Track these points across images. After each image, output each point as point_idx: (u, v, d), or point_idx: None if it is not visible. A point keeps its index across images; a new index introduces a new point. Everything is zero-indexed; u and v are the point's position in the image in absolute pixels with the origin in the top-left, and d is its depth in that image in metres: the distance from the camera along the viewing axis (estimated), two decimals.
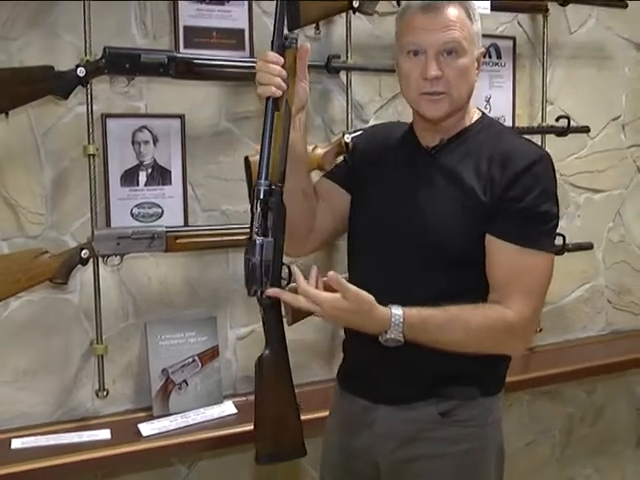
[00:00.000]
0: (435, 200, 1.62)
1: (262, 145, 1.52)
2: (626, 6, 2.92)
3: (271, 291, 1.52)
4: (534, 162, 1.57)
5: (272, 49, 1.52)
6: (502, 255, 1.57)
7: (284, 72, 1.51)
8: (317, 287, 1.52)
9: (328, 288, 1.51)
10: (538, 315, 1.63)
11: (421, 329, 1.53)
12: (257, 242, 1.51)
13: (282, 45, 1.53)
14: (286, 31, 1.56)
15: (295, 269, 1.54)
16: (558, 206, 1.62)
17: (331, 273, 1.48)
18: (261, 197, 1.51)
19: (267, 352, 1.58)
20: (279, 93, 1.51)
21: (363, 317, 1.50)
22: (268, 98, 1.51)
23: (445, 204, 1.61)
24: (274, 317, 1.58)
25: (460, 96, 1.60)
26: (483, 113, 1.73)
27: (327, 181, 1.82)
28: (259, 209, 1.52)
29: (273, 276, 1.52)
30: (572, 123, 2.83)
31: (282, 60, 1.51)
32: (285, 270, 1.55)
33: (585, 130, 2.95)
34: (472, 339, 1.55)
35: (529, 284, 1.57)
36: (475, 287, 1.60)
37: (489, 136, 1.65)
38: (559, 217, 1.63)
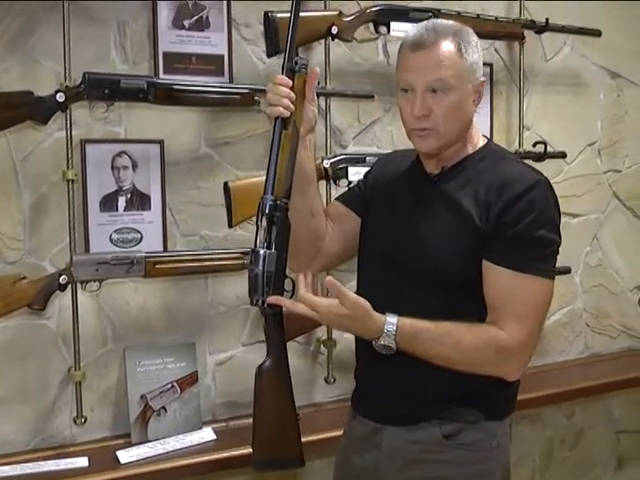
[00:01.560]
0: (433, 226, 1.65)
1: (269, 161, 1.58)
2: (600, 34, 2.98)
3: (272, 298, 1.57)
4: (530, 187, 1.58)
5: (282, 72, 1.59)
6: (497, 279, 1.58)
7: (292, 94, 1.58)
8: (313, 292, 1.57)
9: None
10: (534, 339, 1.62)
11: (412, 340, 1.55)
12: (260, 253, 1.56)
13: (292, 69, 1.60)
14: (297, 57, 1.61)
15: (300, 276, 1.58)
16: (559, 232, 1.63)
17: (328, 278, 1.53)
18: (266, 211, 1.57)
19: (267, 361, 1.62)
20: (287, 114, 1.57)
21: (358, 322, 1.54)
22: (277, 118, 1.58)
23: (442, 230, 1.63)
24: (275, 326, 1.62)
25: (448, 132, 1.61)
26: (489, 140, 1.75)
27: (339, 204, 1.87)
28: (264, 222, 1.57)
29: (275, 287, 1.57)
30: (549, 148, 2.86)
31: (290, 83, 1.58)
32: (289, 283, 1.60)
33: (562, 155, 2.98)
34: (461, 356, 1.57)
35: (523, 308, 1.57)
36: (473, 311, 1.61)
37: (490, 163, 1.67)
38: (560, 243, 1.64)
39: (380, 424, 1.71)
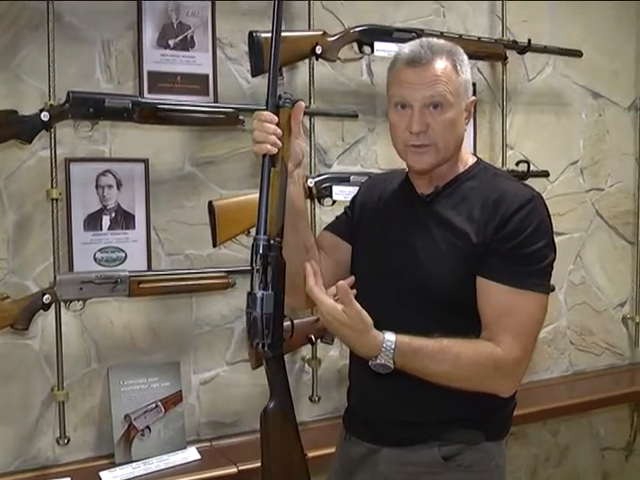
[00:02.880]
0: (428, 246, 1.64)
1: (260, 201, 1.54)
2: (581, 55, 3.02)
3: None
4: (526, 202, 1.59)
5: (267, 108, 1.56)
6: (491, 295, 1.58)
7: (279, 130, 1.55)
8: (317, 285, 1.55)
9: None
10: (529, 356, 1.61)
11: (411, 358, 1.53)
12: (258, 295, 1.53)
13: (276, 104, 1.57)
14: (280, 92, 1.59)
15: (307, 267, 1.56)
16: (554, 247, 1.63)
17: (340, 283, 1.50)
18: (260, 252, 1.53)
19: (272, 403, 1.59)
20: (274, 150, 1.54)
21: (355, 335, 1.51)
22: (264, 155, 1.54)
23: (438, 249, 1.62)
24: (277, 368, 1.59)
25: (446, 148, 1.62)
26: (478, 159, 1.75)
27: (328, 233, 1.84)
28: (259, 264, 1.54)
29: (274, 328, 1.53)
30: (532, 167, 2.88)
31: (276, 119, 1.55)
32: (288, 323, 1.58)
33: (545, 174, 3.00)
34: (460, 373, 1.55)
35: (519, 324, 1.57)
36: (468, 329, 1.59)
37: (483, 181, 1.67)
38: (554, 258, 1.63)
39: (377, 445, 1.69)
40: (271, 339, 1.52)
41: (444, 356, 1.54)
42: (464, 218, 1.62)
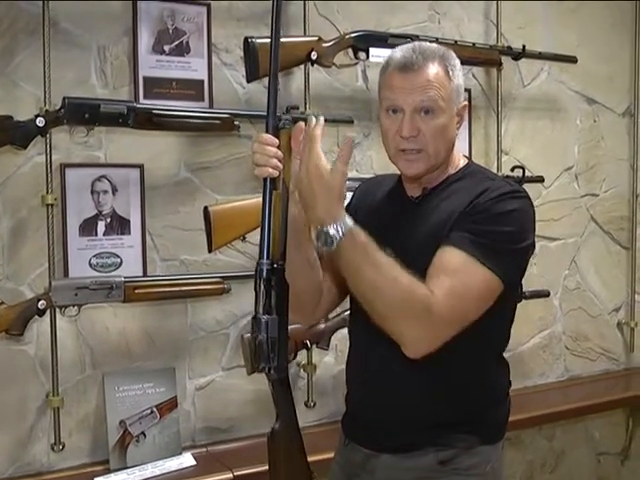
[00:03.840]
0: (416, 247, 1.62)
1: (262, 224, 1.52)
2: (576, 61, 3.03)
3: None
4: (506, 193, 1.57)
5: (267, 130, 1.54)
6: (443, 254, 1.54)
7: (279, 153, 1.52)
8: None
9: None
10: (453, 325, 1.52)
11: (356, 248, 1.48)
12: (262, 320, 1.50)
13: (276, 126, 1.55)
14: (279, 112, 1.57)
15: (316, 119, 1.53)
16: (529, 241, 1.59)
17: (349, 139, 1.49)
18: (264, 276, 1.51)
19: (278, 426, 1.58)
20: (276, 174, 1.52)
21: (325, 193, 1.48)
22: (265, 179, 1.53)
23: (425, 249, 1.59)
24: (283, 391, 1.58)
25: (437, 153, 1.61)
26: (469, 160, 1.74)
27: None
28: (262, 288, 1.51)
29: (280, 352, 1.51)
30: (527, 173, 2.88)
31: (277, 141, 1.53)
32: (291, 345, 1.56)
33: (540, 180, 3.01)
34: (387, 293, 1.49)
35: (458, 286, 1.51)
36: (460, 332, 1.54)
37: (473, 181, 1.65)
38: (528, 254, 1.61)
39: (375, 451, 1.68)
40: (277, 362, 1.51)
41: (384, 269, 1.49)
42: (448, 213, 1.60)
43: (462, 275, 1.52)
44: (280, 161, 1.53)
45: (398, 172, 1.73)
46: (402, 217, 1.69)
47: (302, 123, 1.58)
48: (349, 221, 1.49)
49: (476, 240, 1.53)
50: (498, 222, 1.55)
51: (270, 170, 1.51)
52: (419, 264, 1.55)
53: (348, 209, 1.83)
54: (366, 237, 1.50)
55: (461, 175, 1.69)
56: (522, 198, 1.61)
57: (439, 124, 1.59)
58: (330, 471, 1.84)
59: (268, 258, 1.51)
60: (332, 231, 1.48)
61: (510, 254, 1.56)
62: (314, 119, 1.55)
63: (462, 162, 1.72)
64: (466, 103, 1.68)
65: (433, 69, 1.58)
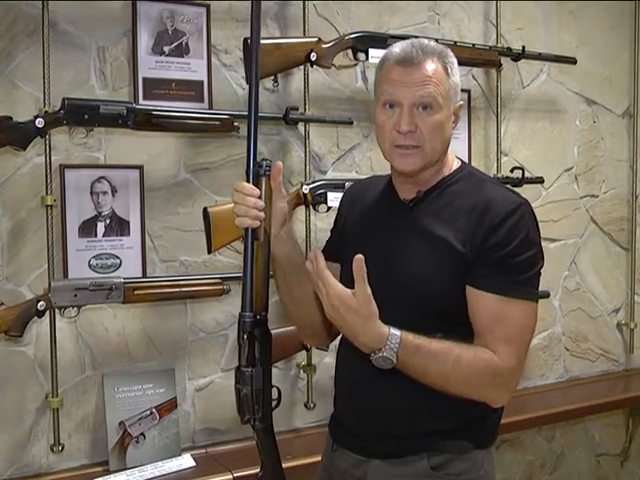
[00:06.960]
0: (412, 255, 1.61)
1: (244, 276, 1.52)
2: (576, 62, 3.03)
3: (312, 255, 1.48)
4: (512, 211, 1.56)
5: (247, 178, 1.53)
6: (482, 305, 1.55)
7: (260, 203, 1.51)
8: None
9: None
10: (522, 365, 1.58)
11: (414, 354, 1.48)
12: (247, 373, 1.52)
13: (257, 173, 1.54)
14: (259, 159, 1.56)
15: (311, 255, 1.50)
16: (542, 253, 1.62)
17: (359, 256, 1.43)
18: (248, 329, 1.52)
19: (261, 474, 1.61)
20: (257, 224, 1.52)
21: (360, 322, 1.44)
22: (247, 228, 1.52)
23: (422, 258, 1.59)
24: (267, 439, 1.59)
25: (433, 150, 1.59)
26: (463, 162, 1.73)
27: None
28: (246, 340, 1.52)
29: (264, 402, 1.54)
30: (526, 174, 2.89)
31: (258, 192, 1.52)
32: (275, 391, 1.57)
33: (539, 181, 3.01)
34: (459, 376, 1.51)
35: (512, 333, 1.54)
36: (459, 337, 1.55)
37: (469, 187, 1.64)
38: (543, 265, 1.62)
39: (364, 457, 1.66)
40: (261, 413, 1.53)
41: (446, 357, 1.50)
42: (449, 226, 1.59)
43: (512, 321, 1.55)
44: (262, 210, 1.52)
45: (388, 173, 1.71)
46: (395, 223, 1.67)
47: (280, 163, 1.57)
48: (393, 331, 1.46)
49: (509, 279, 1.55)
50: (521, 251, 1.56)
51: (249, 221, 1.51)
52: (430, 278, 1.57)
53: (337, 222, 1.82)
54: (414, 337, 1.49)
55: (456, 178, 1.66)
56: (523, 205, 1.60)
57: (437, 120, 1.57)
58: (317, 475, 1.82)
59: (251, 310, 1.52)
60: (385, 354, 1.46)
61: (537, 274, 1.61)
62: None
63: (456, 164, 1.70)
64: (462, 103, 1.68)
65: (432, 65, 1.57)
